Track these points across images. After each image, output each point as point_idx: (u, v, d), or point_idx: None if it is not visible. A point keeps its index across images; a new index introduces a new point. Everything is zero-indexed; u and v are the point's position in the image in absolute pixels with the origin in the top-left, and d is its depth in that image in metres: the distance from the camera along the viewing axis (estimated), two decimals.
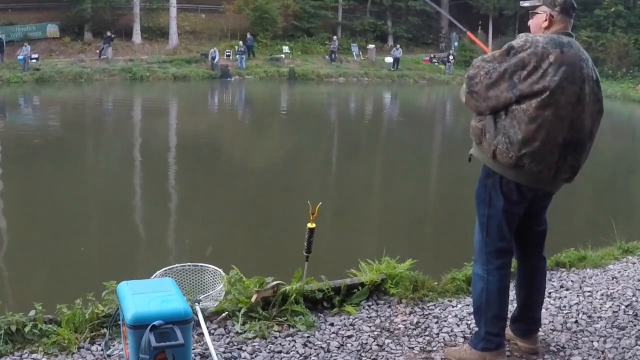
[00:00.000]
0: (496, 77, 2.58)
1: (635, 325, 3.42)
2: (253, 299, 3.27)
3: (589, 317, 3.53)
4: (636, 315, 3.57)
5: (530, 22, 2.77)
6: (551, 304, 3.68)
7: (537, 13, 2.72)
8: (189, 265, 3.40)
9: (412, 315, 3.47)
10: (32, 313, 3.00)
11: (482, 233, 2.81)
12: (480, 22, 39.04)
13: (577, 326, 3.39)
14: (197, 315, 3.05)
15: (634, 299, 3.82)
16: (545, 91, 2.51)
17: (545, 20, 2.68)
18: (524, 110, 2.54)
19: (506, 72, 2.55)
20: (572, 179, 2.76)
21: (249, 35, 31.31)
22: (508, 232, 2.81)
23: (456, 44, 37.42)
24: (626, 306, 3.69)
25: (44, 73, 24.86)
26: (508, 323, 3.02)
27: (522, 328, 3.05)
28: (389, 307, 3.55)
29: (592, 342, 3.21)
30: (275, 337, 3.11)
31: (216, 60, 29.24)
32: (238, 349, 2.99)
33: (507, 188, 2.71)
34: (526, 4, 2.79)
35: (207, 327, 3.05)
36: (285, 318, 3.26)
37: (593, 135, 2.73)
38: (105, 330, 2.99)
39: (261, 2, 32.11)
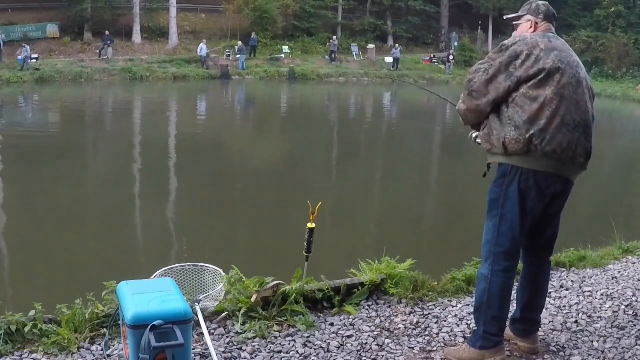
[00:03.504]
0: (493, 71, 2.73)
1: (635, 325, 3.42)
2: (253, 299, 3.27)
3: (589, 317, 3.53)
4: (636, 315, 3.57)
5: (516, 33, 2.97)
6: (551, 304, 3.68)
7: (522, 23, 2.96)
8: (189, 265, 3.40)
9: (412, 315, 3.47)
10: (32, 313, 3.00)
11: (493, 233, 2.80)
12: (480, 22, 39.10)
13: (577, 326, 3.39)
14: (197, 315, 3.05)
15: (634, 299, 3.82)
16: (541, 73, 2.66)
17: (531, 27, 2.91)
18: (524, 94, 2.67)
19: (502, 65, 2.71)
20: (586, 164, 2.81)
21: (253, 35, 31.28)
22: (519, 235, 2.80)
23: (456, 44, 37.40)
24: (626, 306, 3.69)
25: (43, 73, 24.87)
26: (508, 323, 3.02)
27: (521, 328, 3.07)
28: (389, 307, 3.55)
29: (592, 342, 3.21)
30: (275, 337, 3.11)
31: (204, 54, 29.30)
32: (238, 349, 2.99)
33: (525, 185, 2.71)
34: (511, 15, 3.03)
35: (207, 327, 3.05)
36: (285, 318, 3.26)
37: (594, 118, 2.83)
38: (105, 330, 2.99)
39: (261, 2, 32.13)
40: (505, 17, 3.19)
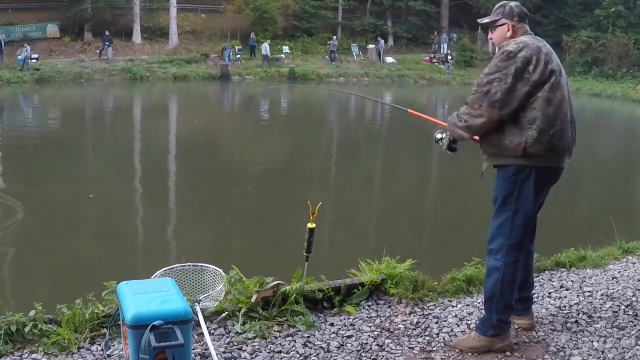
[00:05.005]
0: (511, 80, 2.80)
1: (635, 325, 3.42)
2: (253, 299, 3.27)
3: (589, 317, 3.53)
4: (636, 315, 3.57)
5: (493, 35, 3.07)
6: (551, 304, 3.68)
7: (499, 26, 3.03)
8: (189, 265, 3.40)
9: (412, 315, 3.47)
10: (32, 313, 3.00)
11: (506, 227, 2.93)
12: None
13: (577, 326, 3.39)
14: (197, 315, 3.05)
15: (634, 299, 3.82)
16: (552, 75, 2.83)
17: (508, 30, 3.00)
18: (540, 97, 2.81)
19: (517, 72, 2.80)
20: (572, 152, 3.05)
21: (252, 35, 31.30)
22: (530, 226, 3.01)
23: (445, 45, 37.16)
24: (626, 306, 3.69)
25: (44, 73, 24.89)
26: None
27: (520, 307, 3.24)
28: (389, 307, 3.55)
29: (592, 342, 3.21)
30: (275, 337, 3.12)
31: (267, 53, 30.03)
32: (238, 349, 2.99)
33: (540, 180, 2.90)
34: (485, 20, 3.10)
35: (207, 327, 3.05)
36: (285, 318, 3.26)
37: None
38: (105, 330, 2.99)
39: (261, 2, 32.16)
40: (479, 22, 3.27)
